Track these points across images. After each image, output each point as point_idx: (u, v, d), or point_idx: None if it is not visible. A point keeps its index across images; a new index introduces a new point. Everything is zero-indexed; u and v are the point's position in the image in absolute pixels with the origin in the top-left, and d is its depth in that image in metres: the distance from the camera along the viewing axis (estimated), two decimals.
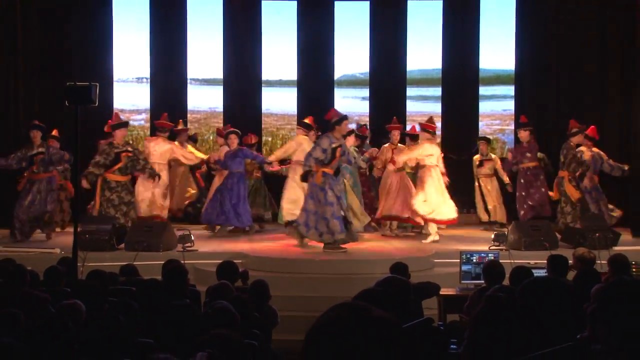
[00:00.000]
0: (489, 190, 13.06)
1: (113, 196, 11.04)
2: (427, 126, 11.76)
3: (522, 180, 12.44)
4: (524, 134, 12.45)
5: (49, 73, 13.88)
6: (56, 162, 11.53)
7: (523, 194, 12.39)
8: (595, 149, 12.34)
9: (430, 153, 11.46)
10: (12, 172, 11.62)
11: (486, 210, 13.08)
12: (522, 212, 12.29)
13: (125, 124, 11.39)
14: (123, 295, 5.77)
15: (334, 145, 10.16)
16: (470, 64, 14.90)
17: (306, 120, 12.53)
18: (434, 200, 11.34)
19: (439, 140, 13.36)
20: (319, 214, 10.14)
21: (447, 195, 11.48)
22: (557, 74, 14.42)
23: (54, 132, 12.15)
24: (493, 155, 13.39)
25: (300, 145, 12.01)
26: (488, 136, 13.91)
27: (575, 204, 11.72)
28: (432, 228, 11.42)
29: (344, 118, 10.41)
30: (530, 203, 12.30)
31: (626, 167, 12.26)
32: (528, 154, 12.37)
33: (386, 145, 12.62)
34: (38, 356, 3.92)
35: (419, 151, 11.56)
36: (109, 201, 11.02)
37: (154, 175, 11.43)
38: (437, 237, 11.32)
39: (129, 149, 11.15)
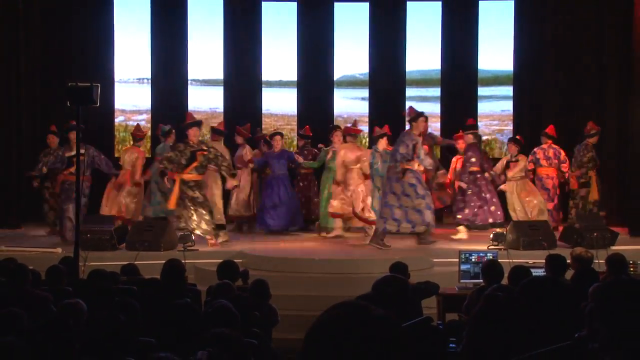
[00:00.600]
0: (515, 193, 12.31)
1: (196, 194, 10.85)
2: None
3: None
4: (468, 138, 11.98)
5: (50, 73, 13.92)
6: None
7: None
8: (555, 146, 12.37)
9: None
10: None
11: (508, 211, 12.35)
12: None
13: (198, 123, 11.15)
14: (124, 295, 5.77)
15: (413, 142, 10.49)
16: (469, 65, 14.93)
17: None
18: None
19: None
20: (405, 207, 10.53)
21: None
22: (555, 75, 14.45)
23: (52, 128, 12.26)
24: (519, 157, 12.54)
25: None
26: (487, 136, 13.91)
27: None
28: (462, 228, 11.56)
29: (420, 115, 10.69)
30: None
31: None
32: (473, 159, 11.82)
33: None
34: (40, 355, 3.93)
35: None
36: (194, 199, 10.81)
37: (234, 176, 11.34)
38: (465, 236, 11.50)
39: (204, 147, 10.99)
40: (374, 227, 11.16)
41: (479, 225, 11.57)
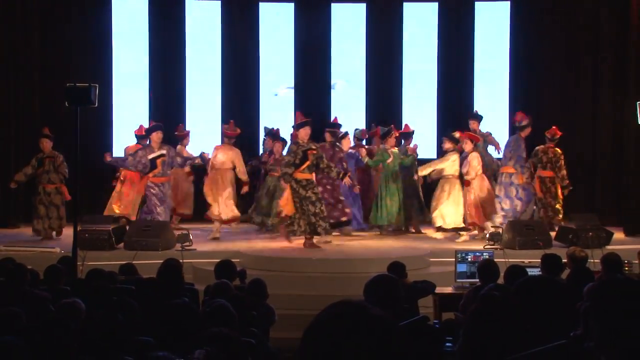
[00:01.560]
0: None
1: (309, 193, 10.73)
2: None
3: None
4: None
5: (49, 73, 13.94)
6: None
7: None
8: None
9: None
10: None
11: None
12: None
13: (307, 123, 10.97)
14: (122, 294, 5.79)
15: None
16: (466, 65, 14.97)
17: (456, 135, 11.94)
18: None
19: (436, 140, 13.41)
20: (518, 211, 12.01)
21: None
22: (551, 75, 14.53)
23: (46, 130, 11.87)
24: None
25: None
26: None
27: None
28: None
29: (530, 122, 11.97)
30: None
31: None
32: None
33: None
34: (38, 354, 3.94)
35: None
36: (306, 199, 10.69)
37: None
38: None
39: (313, 146, 10.88)
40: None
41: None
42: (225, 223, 12.07)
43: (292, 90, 15.19)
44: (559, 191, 12.18)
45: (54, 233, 11.64)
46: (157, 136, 11.37)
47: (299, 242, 10.78)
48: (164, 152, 11.28)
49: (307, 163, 10.68)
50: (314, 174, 10.93)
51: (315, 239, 10.76)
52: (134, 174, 12.14)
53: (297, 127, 11.03)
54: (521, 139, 12.23)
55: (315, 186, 10.86)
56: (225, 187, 12.04)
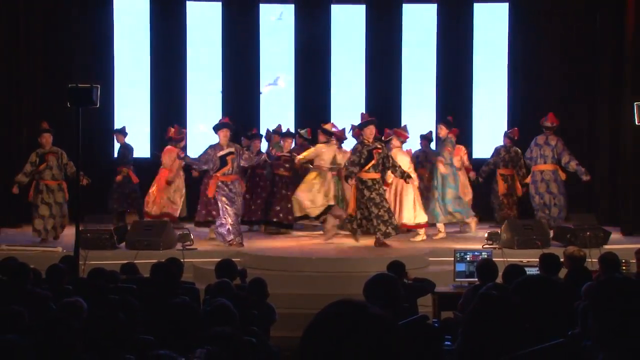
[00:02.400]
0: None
1: (372, 195, 10.65)
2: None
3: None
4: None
5: (51, 74, 13.97)
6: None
7: None
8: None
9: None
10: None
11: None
12: None
13: (372, 122, 10.93)
14: (124, 293, 5.77)
15: None
16: (464, 65, 15.01)
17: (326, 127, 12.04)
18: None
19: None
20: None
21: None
22: (549, 77, 14.58)
23: (45, 125, 11.57)
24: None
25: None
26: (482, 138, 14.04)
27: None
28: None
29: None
30: None
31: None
32: None
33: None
34: (40, 353, 3.97)
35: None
36: (370, 200, 10.64)
37: (404, 175, 10.96)
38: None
39: (378, 145, 10.83)
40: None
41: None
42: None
43: (275, 87, 15.19)
44: (518, 188, 12.79)
45: (55, 233, 11.27)
46: (224, 134, 11.18)
47: (367, 241, 10.80)
48: (232, 149, 11.16)
49: (372, 162, 10.63)
50: (379, 174, 10.80)
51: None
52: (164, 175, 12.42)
53: (361, 126, 10.99)
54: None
55: (380, 187, 10.74)
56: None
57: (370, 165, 10.61)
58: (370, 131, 10.75)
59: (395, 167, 10.87)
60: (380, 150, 10.70)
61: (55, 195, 11.25)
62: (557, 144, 12.08)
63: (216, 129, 11.20)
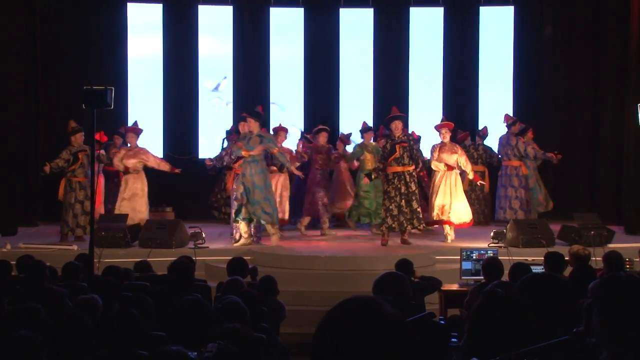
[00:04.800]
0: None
1: (389, 188, 10.80)
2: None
3: None
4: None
5: (67, 75, 14.08)
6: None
7: None
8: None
9: None
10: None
11: None
12: None
13: (398, 117, 11.07)
14: (137, 290, 5.89)
15: None
16: (471, 68, 15.08)
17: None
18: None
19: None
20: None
21: None
22: (554, 78, 14.63)
23: (73, 123, 11.55)
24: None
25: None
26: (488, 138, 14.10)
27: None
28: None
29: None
30: None
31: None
32: None
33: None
34: (57, 348, 4.04)
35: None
36: (386, 193, 10.80)
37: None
38: None
39: (404, 138, 10.94)
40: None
41: None
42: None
43: (217, 93, 15.22)
44: (487, 185, 13.13)
45: (85, 230, 11.06)
46: (242, 128, 11.39)
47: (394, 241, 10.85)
48: None
49: (395, 155, 10.75)
50: (404, 167, 10.80)
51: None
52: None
53: (388, 121, 11.15)
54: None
55: (403, 181, 10.75)
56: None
57: (392, 158, 10.73)
58: (396, 126, 10.91)
59: (417, 161, 11.01)
60: (405, 145, 10.81)
61: (87, 191, 11.32)
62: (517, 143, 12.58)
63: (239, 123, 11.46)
